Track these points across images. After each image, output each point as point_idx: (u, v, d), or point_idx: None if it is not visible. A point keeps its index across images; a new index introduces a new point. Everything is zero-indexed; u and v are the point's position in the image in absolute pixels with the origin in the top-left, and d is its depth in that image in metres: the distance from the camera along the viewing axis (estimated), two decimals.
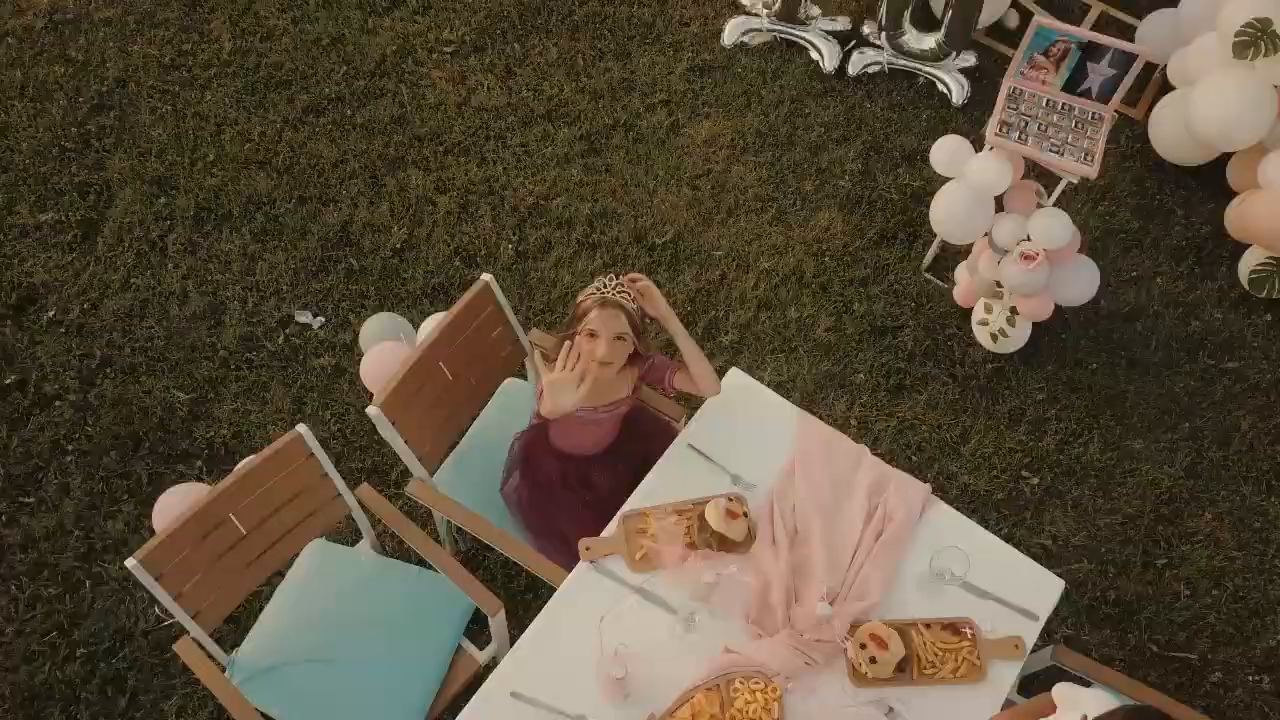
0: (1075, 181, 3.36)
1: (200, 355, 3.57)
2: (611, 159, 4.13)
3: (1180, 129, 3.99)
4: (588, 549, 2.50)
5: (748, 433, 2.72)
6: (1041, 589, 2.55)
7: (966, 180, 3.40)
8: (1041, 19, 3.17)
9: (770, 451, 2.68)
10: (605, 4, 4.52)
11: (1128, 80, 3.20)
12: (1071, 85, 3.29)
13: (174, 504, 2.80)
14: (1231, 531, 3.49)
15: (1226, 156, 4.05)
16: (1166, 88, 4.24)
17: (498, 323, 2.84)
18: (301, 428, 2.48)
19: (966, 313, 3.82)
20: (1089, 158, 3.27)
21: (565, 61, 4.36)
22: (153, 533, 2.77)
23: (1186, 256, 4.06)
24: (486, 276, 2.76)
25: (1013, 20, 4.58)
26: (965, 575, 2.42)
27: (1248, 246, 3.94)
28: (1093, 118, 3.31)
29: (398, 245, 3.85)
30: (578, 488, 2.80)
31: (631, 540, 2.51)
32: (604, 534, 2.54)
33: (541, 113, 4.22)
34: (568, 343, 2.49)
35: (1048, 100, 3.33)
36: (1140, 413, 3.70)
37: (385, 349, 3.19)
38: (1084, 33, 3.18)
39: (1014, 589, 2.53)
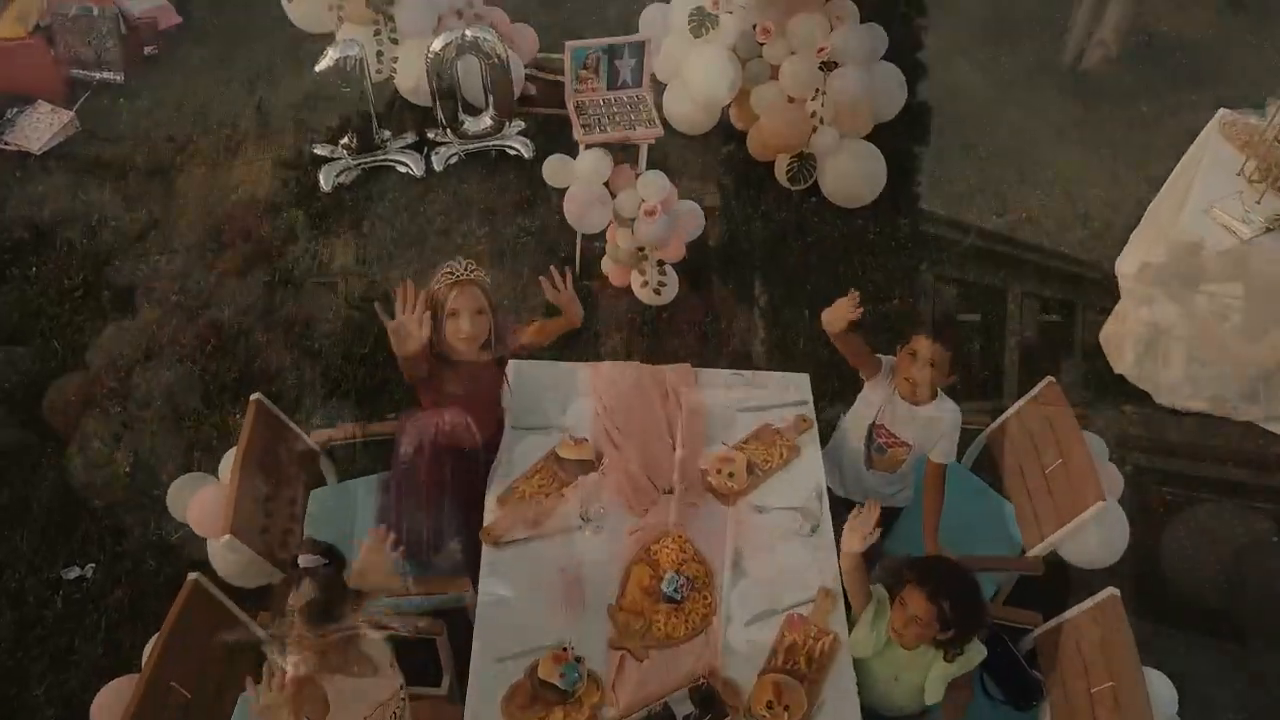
0: (653, 143, 4.29)
1: None
2: None
3: (689, 105, 5.15)
4: (488, 532, 2.81)
5: (554, 399, 3.22)
6: (796, 383, 3.35)
7: (580, 177, 4.18)
8: (571, 43, 4.09)
9: (578, 403, 3.22)
10: None
11: (647, 63, 4.22)
12: (612, 82, 4.24)
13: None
14: None
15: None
16: None
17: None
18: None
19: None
20: (651, 123, 4.22)
21: None
22: None
23: (748, 184, 5.22)
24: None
25: (531, 90, 5.52)
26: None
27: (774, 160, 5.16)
28: (637, 99, 4.29)
29: None
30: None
31: (516, 507, 2.88)
32: (486, 519, 2.86)
33: None
34: (406, 287, 2.66)
35: (602, 100, 4.25)
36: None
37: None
38: (602, 41, 4.15)
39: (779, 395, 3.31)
